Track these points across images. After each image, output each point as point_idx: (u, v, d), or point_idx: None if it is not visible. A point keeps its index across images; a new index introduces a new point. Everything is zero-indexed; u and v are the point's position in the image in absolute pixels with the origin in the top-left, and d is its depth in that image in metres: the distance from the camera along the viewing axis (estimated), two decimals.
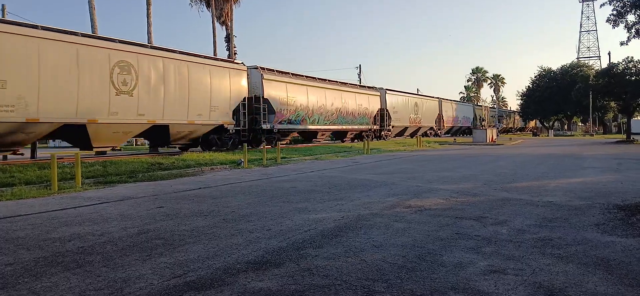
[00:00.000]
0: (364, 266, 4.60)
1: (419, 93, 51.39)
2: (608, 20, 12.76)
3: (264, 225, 6.54)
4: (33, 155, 18.72)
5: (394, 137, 43.98)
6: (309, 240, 5.69)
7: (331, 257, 4.94)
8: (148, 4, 28.97)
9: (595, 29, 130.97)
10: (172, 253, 5.11)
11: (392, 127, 42.28)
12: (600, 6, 22.11)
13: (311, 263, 4.73)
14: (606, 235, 5.84)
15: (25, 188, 10.57)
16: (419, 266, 4.59)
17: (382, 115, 40.49)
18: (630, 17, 12.25)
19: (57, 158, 11.49)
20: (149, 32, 28.45)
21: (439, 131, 53.73)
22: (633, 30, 12.02)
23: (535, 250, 5.18)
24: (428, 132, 51.21)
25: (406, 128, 45.98)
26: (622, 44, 20.00)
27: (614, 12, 12.39)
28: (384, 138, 40.59)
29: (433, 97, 54.31)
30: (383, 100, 40.50)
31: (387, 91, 41.46)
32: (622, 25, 12.63)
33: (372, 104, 38.68)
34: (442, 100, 55.89)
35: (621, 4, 12.22)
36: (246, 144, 20.09)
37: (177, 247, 5.37)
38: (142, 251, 5.19)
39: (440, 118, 54.60)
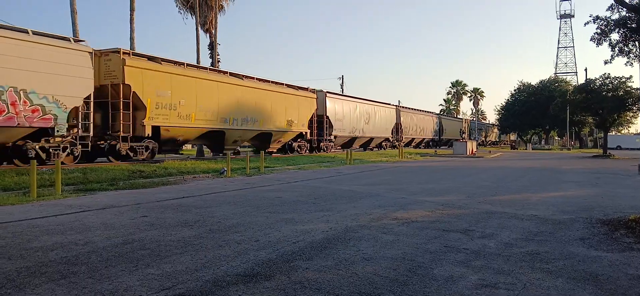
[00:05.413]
0: (355, 280, 4.57)
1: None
2: (592, 39, 13.12)
3: (251, 236, 6.46)
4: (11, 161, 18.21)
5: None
6: (298, 251, 5.64)
7: (322, 270, 4.89)
8: (131, 10, 28.65)
9: (572, 45, 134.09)
10: (159, 264, 5.00)
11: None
12: (585, 25, 22.47)
13: (302, 276, 4.67)
14: (592, 250, 5.91)
15: (3, 195, 10.30)
16: (410, 280, 4.58)
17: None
18: (614, 36, 12.66)
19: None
20: (131, 39, 28.15)
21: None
22: (616, 49, 12.39)
23: (524, 264, 5.21)
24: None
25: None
26: (606, 62, 20.31)
27: (598, 31, 12.76)
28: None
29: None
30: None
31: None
32: (606, 44, 13.08)
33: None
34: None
35: (605, 23, 12.56)
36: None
37: (164, 258, 5.27)
38: (128, 262, 5.08)
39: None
